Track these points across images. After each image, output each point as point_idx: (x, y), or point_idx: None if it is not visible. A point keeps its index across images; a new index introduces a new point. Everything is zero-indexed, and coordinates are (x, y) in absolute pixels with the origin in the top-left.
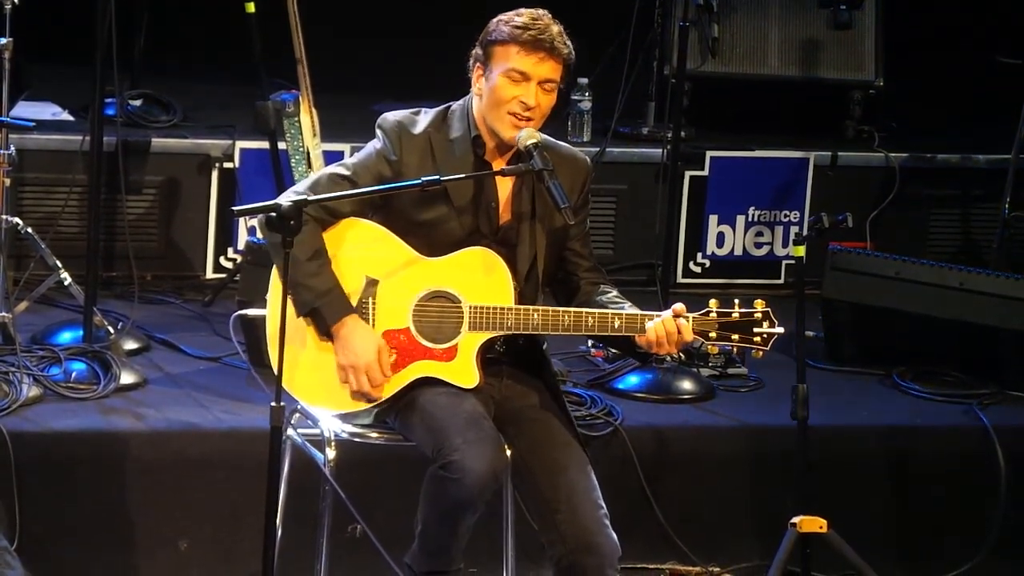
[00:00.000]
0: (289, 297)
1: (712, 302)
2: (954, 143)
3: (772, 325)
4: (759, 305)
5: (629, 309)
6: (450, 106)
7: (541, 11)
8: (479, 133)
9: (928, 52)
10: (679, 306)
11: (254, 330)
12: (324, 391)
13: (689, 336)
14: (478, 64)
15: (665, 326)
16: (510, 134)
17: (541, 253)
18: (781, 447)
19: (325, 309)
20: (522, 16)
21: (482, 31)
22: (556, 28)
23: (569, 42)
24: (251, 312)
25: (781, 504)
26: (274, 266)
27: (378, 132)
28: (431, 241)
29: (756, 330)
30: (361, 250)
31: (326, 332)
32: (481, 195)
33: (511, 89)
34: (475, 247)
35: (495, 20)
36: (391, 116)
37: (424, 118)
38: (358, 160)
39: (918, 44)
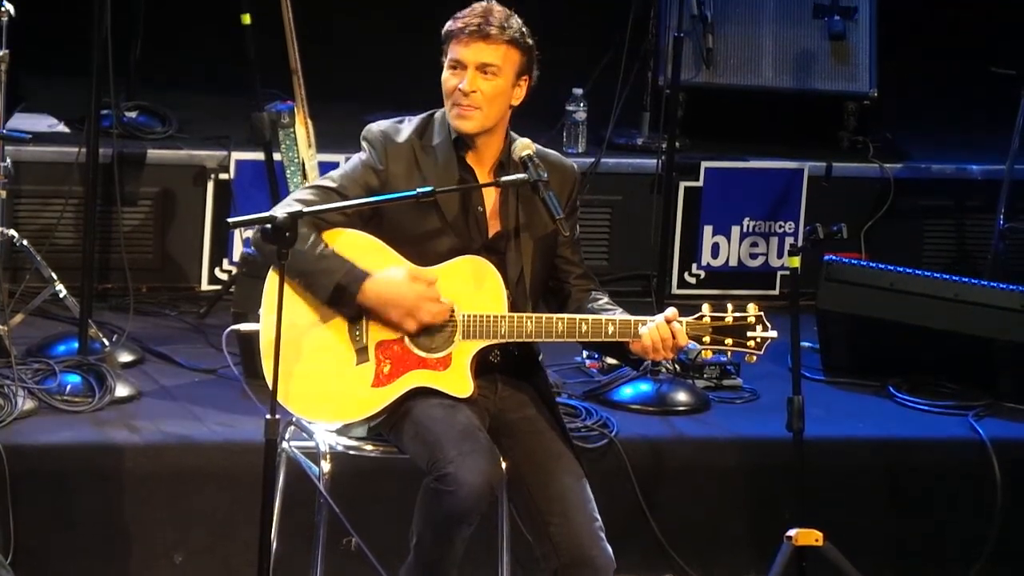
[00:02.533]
0: (307, 288)
1: (705, 306)
2: (949, 154)
3: (766, 329)
4: (752, 309)
5: (621, 315)
6: (433, 113)
7: (486, 2)
8: (459, 135)
9: (922, 63)
10: (672, 311)
11: (249, 342)
12: (319, 403)
13: (683, 340)
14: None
15: (659, 331)
16: (458, 124)
17: (528, 260)
18: (777, 459)
19: (345, 281)
20: (465, 10)
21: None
22: (497, 14)
23: (514, 23)
24: (244, 327)
25: (777, 517)
26: (267, 280)
27: (363, 143)
28: (421, 250)
29: (750, 334)
30: (353, 260)
31: (353, 308)
32: (468, 202)
33: (451, 79)
34: (467, 256)
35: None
36: (375, 127)
37: (408, 127)
38: (345, 172)
39: (912, 55)
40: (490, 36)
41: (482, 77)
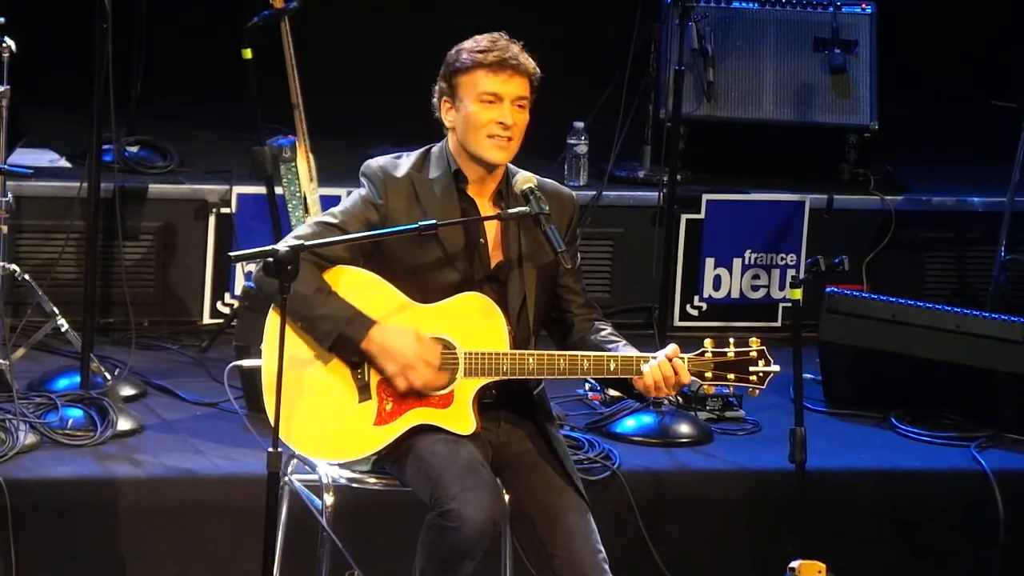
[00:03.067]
0: (308, 333)
1: (707, 342)
2: (950, 186)
3: (767, 363)
4: (754, 343)
5: (624, 348)
6: (430, 147)
7: (496, 33)
8: (459, 167)
9: (923, 95)
10: (673, 348)
11: (252, 375)
12: (321, 441)
13: (686, 378)
14: (445, 98)
15: (661, 370)
16: (494, 155)
17: (531, 291)
18: (779, 490)
19: (350, 331)
20: (480, 42)
21: (443, 64)
22: (516, 46)
23: (530, 58)
24: (246, 363)
25: (780, 548)
26: (268, 316)
27: (362, 179)
28: (424, 284)
29: (752, 369)
30: (354, 297)
31: (356, 354)
32: (470, 234)
33: (486, 112)
34: (469, 292)
35: (453, 51)
36: (374, 162)
37: (406, 161)
38: (345, 207)
39: (913, 87)
40: (527, 71)
41: (516, 109)
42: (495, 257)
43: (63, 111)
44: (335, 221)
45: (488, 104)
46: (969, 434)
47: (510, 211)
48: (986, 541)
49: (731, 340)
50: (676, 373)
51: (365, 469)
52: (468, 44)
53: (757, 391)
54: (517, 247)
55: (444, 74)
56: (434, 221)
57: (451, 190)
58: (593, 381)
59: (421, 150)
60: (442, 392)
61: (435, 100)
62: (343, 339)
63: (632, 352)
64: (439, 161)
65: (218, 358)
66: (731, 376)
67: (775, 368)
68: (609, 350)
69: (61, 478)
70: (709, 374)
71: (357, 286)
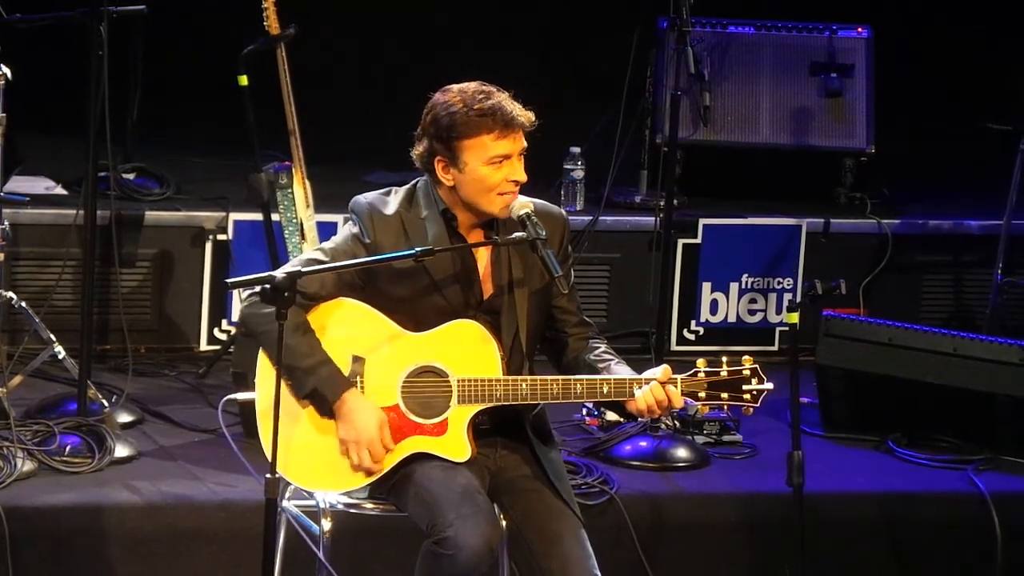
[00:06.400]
0: (286, 380)
1: (700, 362)
2: (946, 209)
3: (761, 381)
4: (747, 362)
5: (617, 367)
6: (416, 183)
7: (481, 85)
8: (446, 207)
9: (919, 119)
10: (666, 370)
11: (248, 404)
12: (317, 473)
13: (679, 403)
14: (440, 158)
15: (654, 394)
16: (503, 213)
17: (524, 320)
18: (777, 514)
19: (324, 387)
20: (472, 99)
21: (428, 120)
22: (506, 96)
23: (522, 107)
24: (241, 396)
25: (778, 572)
26: (260, 350)
27: (351, 216)
28: (416, 316)
29: (745, 387)
30: (346, 328)
31: (328, 410)
32: (461, 267)
33: (498, 173)
34: (461, 320)
35: (443, 110)
36: (362, 199)
37: (394, 198)
38: (335, 244)
39: (909, 111)
40: (524, 123)
41: (521, 161)
42: (487, 289)
43: (59, 138)
44: (324, 259)
45: (499, 165)
46: (966, 457)
47: (508, 237)
48: (984, 564)
49: (724, 359)
50: (669, 399)
51: (363, 495)
52: (458, 103)
53: (751, 409)
54: (508, 273)
55: (437, 136)
56: (430, 247)
57: (442, 229)
58: (589, 405)
59: (408, 187)
60: (436, 420)
61: (421, 154)
62: (316, 393)
63: (625, 372)
64: (427, 199)
65: (215, 385)
66: (724, 395)
67: (768, 386)
68: (602, 370)
69: (59, 505)
70: (702, 394)
71: (349, 318)
